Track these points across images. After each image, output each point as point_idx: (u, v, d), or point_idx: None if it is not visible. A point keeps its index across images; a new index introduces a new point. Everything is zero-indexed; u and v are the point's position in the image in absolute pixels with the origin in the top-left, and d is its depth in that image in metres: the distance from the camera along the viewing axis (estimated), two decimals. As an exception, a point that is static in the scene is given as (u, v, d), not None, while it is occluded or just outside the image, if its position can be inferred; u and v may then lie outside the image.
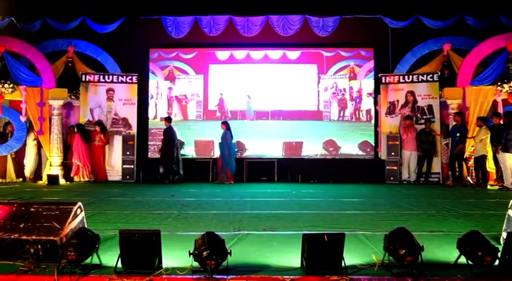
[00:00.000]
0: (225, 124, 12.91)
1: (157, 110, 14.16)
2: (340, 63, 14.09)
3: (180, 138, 13.63)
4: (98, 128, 12.95)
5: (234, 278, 3.61)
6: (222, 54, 14.27)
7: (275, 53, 14.27)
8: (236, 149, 13.25)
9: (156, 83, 14.21)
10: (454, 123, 12.04)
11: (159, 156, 13.11)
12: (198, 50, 14.21)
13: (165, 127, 12.95)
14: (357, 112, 14.03)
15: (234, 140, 13.14)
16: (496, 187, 11.05)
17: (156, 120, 14.06)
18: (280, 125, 14.09)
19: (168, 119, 13.03)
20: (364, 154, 13.75)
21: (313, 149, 13.83)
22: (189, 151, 13.87)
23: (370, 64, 13.99)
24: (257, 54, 14.26)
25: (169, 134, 12.81)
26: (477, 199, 8.82)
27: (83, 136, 12.73)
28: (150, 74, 14.13)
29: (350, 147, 13.82)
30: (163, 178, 12.58)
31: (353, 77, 14.06)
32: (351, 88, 14.08)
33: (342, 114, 14.09)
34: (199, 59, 14.24)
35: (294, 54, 14.24)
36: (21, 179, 12.74)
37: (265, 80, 14.23)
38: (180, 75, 14.23)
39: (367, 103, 14.00)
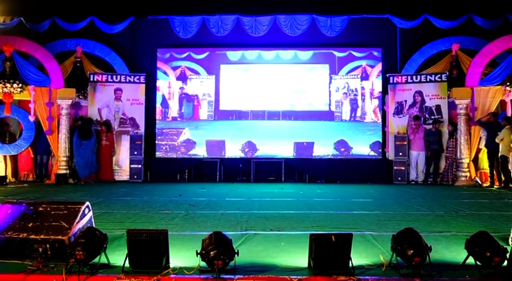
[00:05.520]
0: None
1: (170, 109, 14.20)
2: (352, 63, 13.99)
3: (191, 138, 13.69)
4: (104, 128, 13.07)
5: (242, 278, 3.61)
6: (234, 54, 14.25)
7: (286, 54, 14.22)
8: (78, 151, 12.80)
9: (168, 83, 14.23)
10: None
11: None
12: (210, 51, 14.21)
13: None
14: (368, 112, 13.95)
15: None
16: None
17: (169, 120, 14.09)
18: (291, 125, 14.02)
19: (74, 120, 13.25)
20: (376, 154, 13.66)
21: (324, 149, 13.78)
22: (200, 151, 13.88)
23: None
24: (268, 54, 14.21)
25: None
26: (485, 200, 8.78)
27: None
28: (162, 74, 14.13)
29: (361, 147, 13.76)
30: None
31: (365, 77, 13.98)
32: (362, 88, 13.98)
33: (353, 115, 14.01)
34: (210, 60, 14.22)
35: (305, 54, 14.16)
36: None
37: (277, 81, 14.18)
38: (191, 76, 14.23)
39: (379, 103, 13.93)
